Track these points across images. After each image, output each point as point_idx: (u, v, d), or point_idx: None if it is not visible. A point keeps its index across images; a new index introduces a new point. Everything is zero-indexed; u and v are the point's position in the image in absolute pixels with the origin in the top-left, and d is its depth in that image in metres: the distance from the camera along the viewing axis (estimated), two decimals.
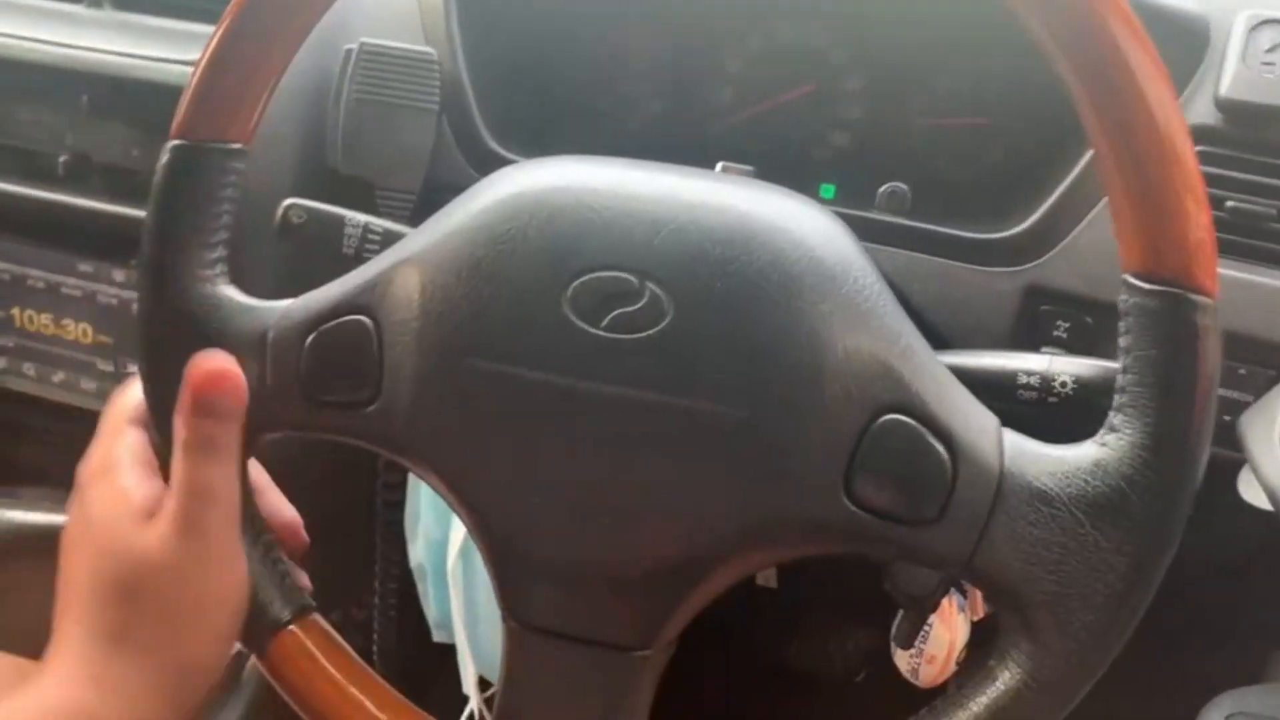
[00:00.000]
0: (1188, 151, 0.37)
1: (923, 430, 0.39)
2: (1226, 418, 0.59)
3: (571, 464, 0.41)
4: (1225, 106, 0.61)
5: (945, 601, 0.72)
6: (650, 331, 0.40)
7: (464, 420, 0.41)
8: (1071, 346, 0.63)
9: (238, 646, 0.46)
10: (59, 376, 0.84)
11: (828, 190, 0.72)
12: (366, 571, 0.91)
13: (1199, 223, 0.37)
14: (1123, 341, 0.38)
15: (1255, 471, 0.54)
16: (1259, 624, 0.79)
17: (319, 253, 0.49)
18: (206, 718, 0.75)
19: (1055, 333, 0.63)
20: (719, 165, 0.54)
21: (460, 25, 0.72)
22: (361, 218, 0.49)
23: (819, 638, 1.13)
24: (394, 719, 0.46)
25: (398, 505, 0.87)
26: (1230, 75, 0.61)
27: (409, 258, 0.43)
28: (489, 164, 0.68)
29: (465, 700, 0.91)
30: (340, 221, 0.49)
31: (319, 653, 0.46)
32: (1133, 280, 0.38)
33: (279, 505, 0.50)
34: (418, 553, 0.88)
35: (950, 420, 0.39)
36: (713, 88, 0.77)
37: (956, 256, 0.64)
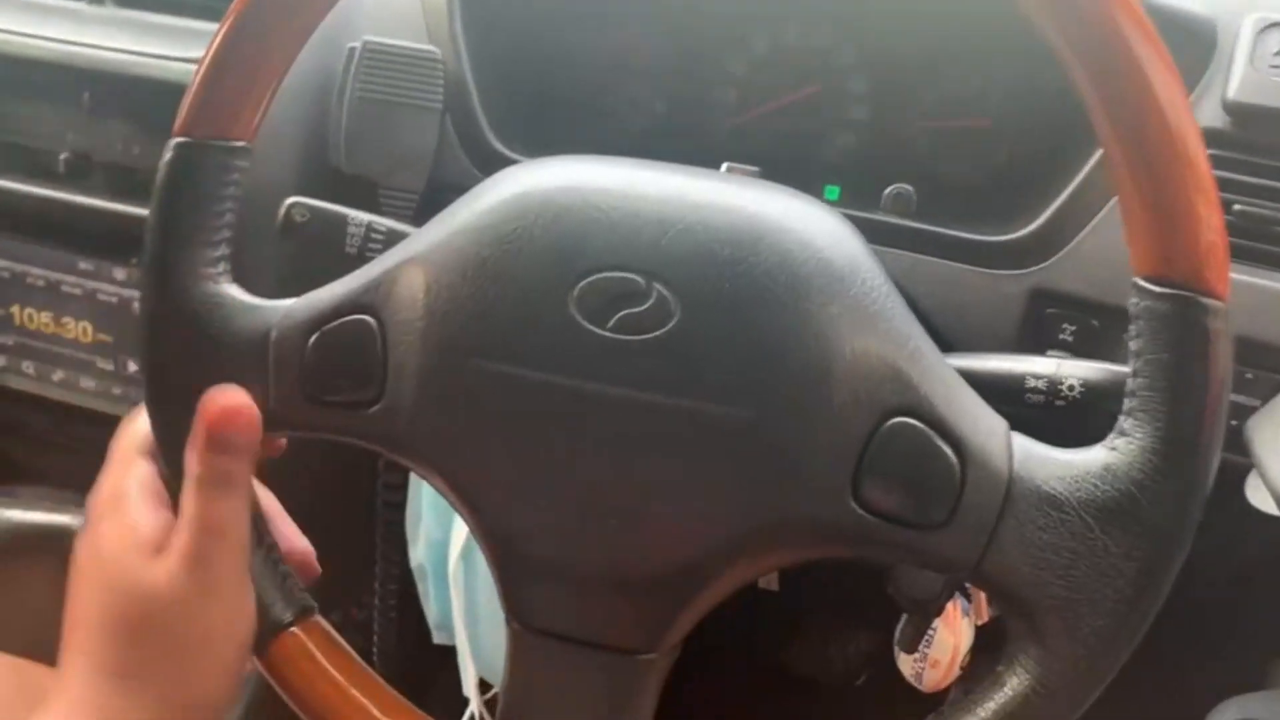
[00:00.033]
0: (1200, 154, 0.37)
1: (931, 433, 0.38)
2: (1234, 422, 0.59)
3: (577, 465, 0.40)
4: (1233, 109, 0.61)
5: (949, 605, 0.72)
6: (657, 333, 0.39)
7: (469, 421, 0.41)
8: (1077, 350, 0.62)
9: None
10: (59, 375, 0.84)
11: (832, 192, 0.71)
12: (367, 572, 0.91)
13: (1211, 226, 0.37)
14: (1133, 345, 0.38)
15: (1263, 476, 0.54)
16: (1265, 630, 0.78)
17: (322, 252, 0.48)
18: None
19: (1061, 336, 0.63)
20: (724, 166, 0.54)
21: (464, 24, 0.72)
22: (365, 217, 0.49)
23: (820, 641, 1.12)
24: None
25: (398, 506, 0.87)
26: (1238, 78, 0.60)
27: (413, 257, 0.42)
28: (492, 163, 0.68)
29: (466, 702, 0.91)
30: (343, 220, 0.49)
31: (320, 654, 0.46)
32: (1143, 283, 0.37)
33: (291, 535, 0.50)
34: (418, 553, 0.88)
35: (959, 423, 0.39)
36: (717, 89, 0.76)
37: (962, 259, 0.64)
